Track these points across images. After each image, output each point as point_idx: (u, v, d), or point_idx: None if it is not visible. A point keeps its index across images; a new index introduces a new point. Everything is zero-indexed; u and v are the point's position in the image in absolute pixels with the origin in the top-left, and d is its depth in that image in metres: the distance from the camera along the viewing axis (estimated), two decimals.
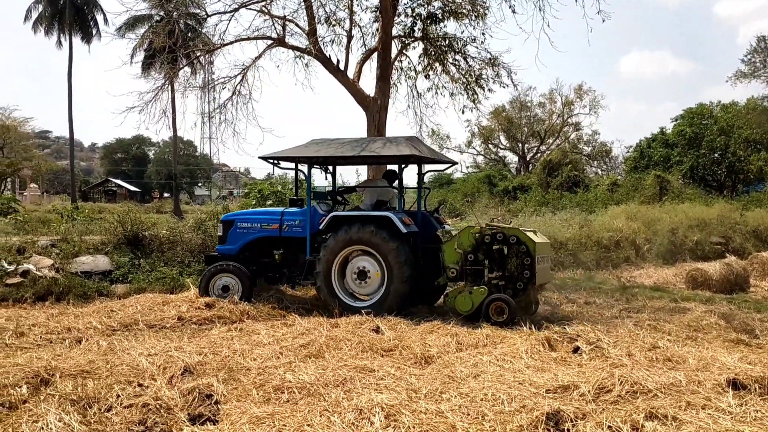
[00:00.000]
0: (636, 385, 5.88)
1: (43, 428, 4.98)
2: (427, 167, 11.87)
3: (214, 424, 5.34)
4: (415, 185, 11.79)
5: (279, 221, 11.07)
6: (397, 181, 11.29)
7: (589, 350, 7.44)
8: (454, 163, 11.66)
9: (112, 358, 7.16)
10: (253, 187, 22.60)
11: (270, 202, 17.64)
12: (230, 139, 16.22)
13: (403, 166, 10.94)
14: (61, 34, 47.38)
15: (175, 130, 39.55)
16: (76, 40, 47.72)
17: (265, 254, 11.29)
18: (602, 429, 4.97)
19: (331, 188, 12.08)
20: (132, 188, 79.02)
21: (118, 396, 5.78)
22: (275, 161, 11.34)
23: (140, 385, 6.13)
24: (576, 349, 7.55)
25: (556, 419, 5.16)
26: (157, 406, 5.56)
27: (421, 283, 10.44)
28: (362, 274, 10.34)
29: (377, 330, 8.75)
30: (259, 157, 11.42)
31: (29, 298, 11.22)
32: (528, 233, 9.97)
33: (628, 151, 47.98)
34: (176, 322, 9.54)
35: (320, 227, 10.56)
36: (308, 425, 5.01)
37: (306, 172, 11.16)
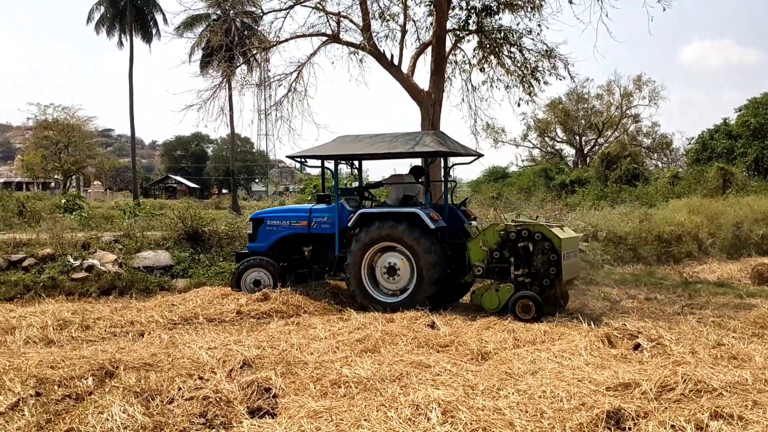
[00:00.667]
0: (700, 383, 5.72)
1: (108, 419, 5.12)
2: (452, 161, 11.90)
3: (273, 418, 5.40)
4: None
5: (308, 218, 11.23)
6: (423, 177, 11.25)
7: (651, 347, 7.27)
8: (480, 155, 11.51)
9: (173, 351, 7.32)
10: (308, 183, 22.83)
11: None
12: (286, 136, 16.32)
13: (430, 161, 11.04)
14: (122, 35, 48.63)
15: (232, 128, 40.23)
16: (137, 40, 48.96)
17: (295, 251, 11.50)
18: (665, 428, 4.84)
19: (357, 185, 12.14)
20: (191, 185, 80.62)
21: (180, 389, 5.91)
22: (302, 160, 11.48)
23: (201, 378, 6.25)
24: (637, 346, 7.39)
25: (617, 418, 5.06)
26: (217, 399, 5.66)
27: (447, 279, 10.40)
28: (392, 270, 10.35)
29: (432, 325, 8.74)
30: (287, 156, 11.68)
31: (94, 292, 11.58)
32: (553, 229, 9.90)
33: (689, 143, 46.54)
34: (235, 316, 9.69)
35: (348, 224, 10.61)
36: (365, 420, 5.02)
37: (333, 170, 11.31)
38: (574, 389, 5.69)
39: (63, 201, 25.89)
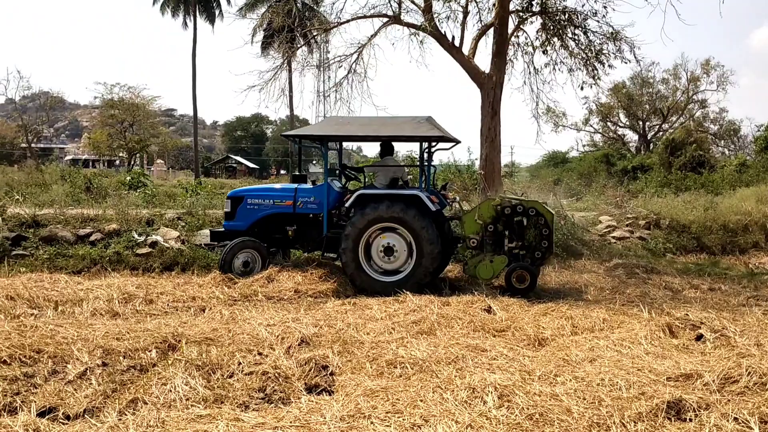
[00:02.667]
0: (765, 376, 5.54)
1: (171, 390, 5.26)
2: (434, 146, 11.84)
3: (330, 395, 5.46)
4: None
5: (293, 198, 11.17)
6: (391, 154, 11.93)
7: (714, 338, 7.08)
8: (457, 141, 11.42)
9: (233, 326, 7.48)
10: (365, 164, 22.88)
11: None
12: None
13: (433, 144, 11.30)
14: (186, 16, 49.44)
15: (291, 109, 40.65)
16: (200, 21, 49.68)
17: (277, 230, 11.42)
18: (728, 420, 4.72)
19: (351, 166, 12.14)
20: (250, 165, 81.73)
21: (239, 363, 6.03)
22: (296, 138, 11.48)
23: (260, 353, 6.37)
24: (699, 337, 7.21)
25: (678, 408, 4.95)
26: (276, 375, 5.76)
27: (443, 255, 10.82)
28: (389, 250, 10.53)
29: (489, 310, 8.69)
30: (282, 135, 11.83)
31: (157, 267, 11.90)
32: (546, 206, 10.64)
33: (758, 130, 44.94)
34: (293, 295, 9.82)
35: (346, 204, 10.72)
36: (421, 401, 5.04)
37: (323, 150, 11.40)
38: (633, 378, 5.60)
39: (128, 178, 26.57)
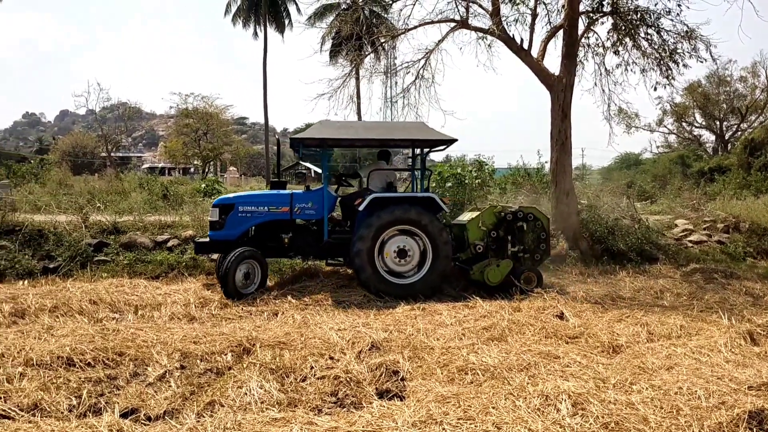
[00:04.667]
0: None
1: (246, 394, 5.39)
2: (426, 152, 11.84)
3: (401, 401, 5.49)
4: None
5: (289, 204, 10.85)
6: (388, 160, 12.18)
7: None
8: (453, 140, 11.03)
9: (305, 331, 7.61)
10: (432, 170, 22.84)
11: (449, 184, 17.71)
12: None
13: (443, 148, 11.32)
14: (257, 26, 50.37)
15: (359, 115, 40.79)
16: (271, 31, 50.48)
17: (271, 238, 11.06)
18: None
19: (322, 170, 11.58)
20: (319, 171, 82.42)
21: (312, 367, 6.13)
22: (299, 143, 11.13)
23: (331, 358, 6.46)
24: None
25: (760, 418, 4.78)
26: (348, 379, 5.83)
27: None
28: (402, 253, 10.49)
29: (561, 316, 8.58)
30: (291, 139, 11.62)
31: None
32: (542, 211, 11.26)
33: None
34: (362, 299, 9.91)
35: (360, 208, 10.51)
36: (493, 408, 5.01)
37: (322, 155, 11.22)
38: (713, 387, 5.43)
39: (203, 186, 27.29)
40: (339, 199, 11.52)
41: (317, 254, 11.08)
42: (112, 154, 55.08)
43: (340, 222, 11.53)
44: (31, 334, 7.13)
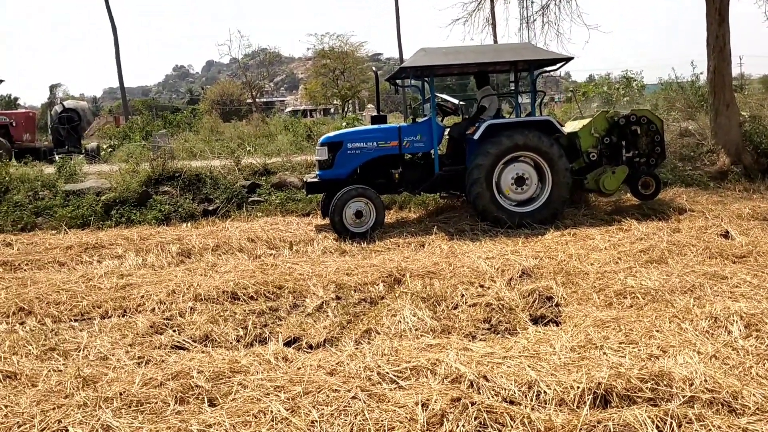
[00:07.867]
0: None
1: (400, 321, 5.48)
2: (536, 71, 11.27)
3: (557, 326, 5.38)
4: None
5: (398, 138, 10.40)
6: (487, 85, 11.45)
7: None
8: (569, 58, 10.43)
9: (453, 260, 7.60)
10: (576, 90, 21.88)
11: (596, 104, 16.92)
12: (553, 41, 15.75)
13: (558, 66, 10.93)
14: None
15: (495, 39, 39.65)
16: None
17: (380, 174, 10.62)
18: None
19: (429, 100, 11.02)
20: (456, 101, 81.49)
21: (462, 295, 6.13)
22: (396, 78, 10.88)
23: (482, 286, 6.42)
24: None
25: None
26: (500, 306, 5.78)
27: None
28: (520, 180, 10.11)
29: (726, 235, 8.06)
30: (386, 80, 11.48)
31: None
32: (655, 114, 10.85)
33: None
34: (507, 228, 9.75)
35: (475, 137, 9.99)
36: (657, 331, 4.79)
37: (428, 84, 10.66)
38: None
39: (344, 124, 27.70)
40: (447, 129, 11.21)
41: (428, 188, 10.87)
42: (257, 100, 57.14)
43: (441, 155, 11.08)
44: (197, 272, 7.58)
